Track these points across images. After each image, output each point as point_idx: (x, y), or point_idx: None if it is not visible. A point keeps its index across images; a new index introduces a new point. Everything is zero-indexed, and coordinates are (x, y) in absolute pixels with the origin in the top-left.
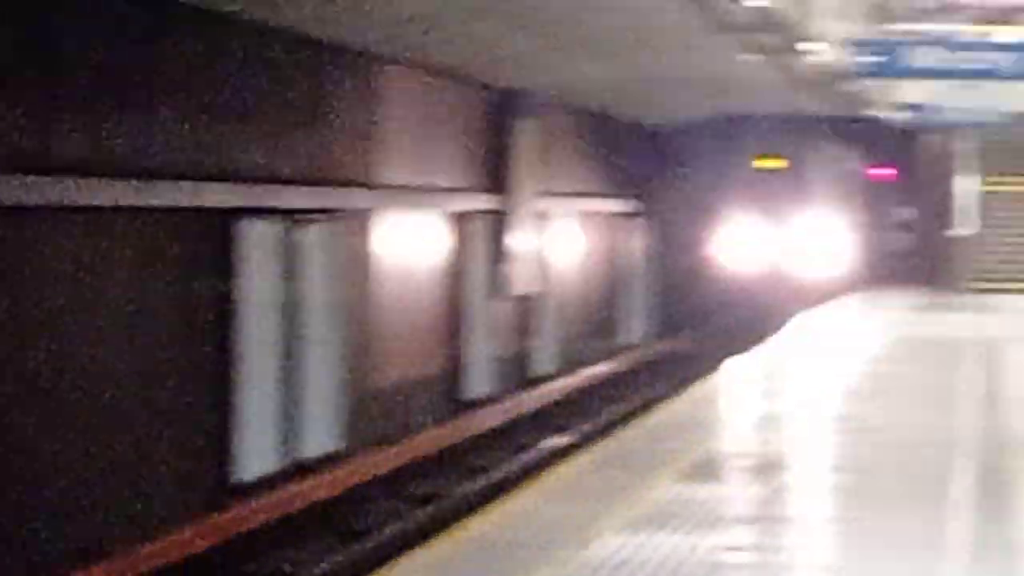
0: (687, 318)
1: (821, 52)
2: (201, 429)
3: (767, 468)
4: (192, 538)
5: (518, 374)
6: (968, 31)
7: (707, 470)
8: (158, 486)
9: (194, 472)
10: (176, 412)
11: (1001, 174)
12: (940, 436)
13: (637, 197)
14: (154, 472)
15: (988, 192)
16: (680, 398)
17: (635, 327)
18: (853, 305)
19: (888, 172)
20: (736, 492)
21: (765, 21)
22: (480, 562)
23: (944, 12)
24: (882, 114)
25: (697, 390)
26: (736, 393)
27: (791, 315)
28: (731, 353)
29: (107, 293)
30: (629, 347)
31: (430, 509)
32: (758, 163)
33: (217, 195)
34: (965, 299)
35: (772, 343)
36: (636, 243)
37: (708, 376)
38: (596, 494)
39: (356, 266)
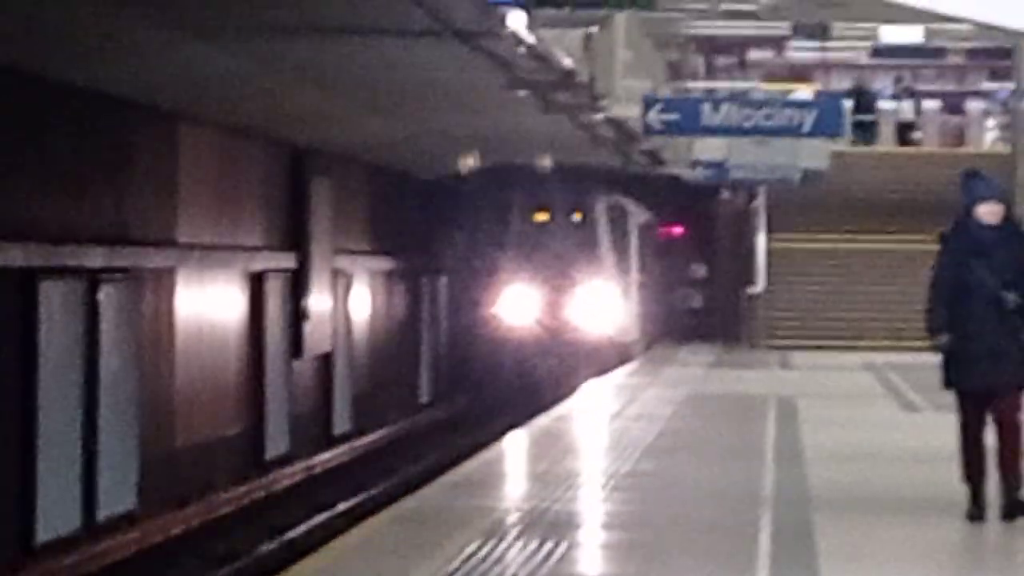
0: (469, 379)
1: (618, 110)
2: (4, 488)
3: (560, 526)
4: None
5: (318, 433)
6: (762, 88)
7: (504, 527)
8: None
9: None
10: None
11: (793, 232)
12: (732, 490)
13: (425, 254)
14: None
15: (778, 249)
16: (475, 459)
17: (423, 388)
18: (646, 366)
19: (678, 230)
20: (531, 549)
21: (564, 80)
22: None
23: (738, 68)
24: (678, 171)
25: (491, 451)
26: (529, 452)
27: (577, 374)
28: (510, 415)
29: None
30: (420, 407)
31: (227, 569)
32: (538, 216)
33: (17, 254)
34: (757, 356)
35: (563, 406)
36: (424, 302)
37: (495, 441)
38: (400, 550)
39: (156, 326)
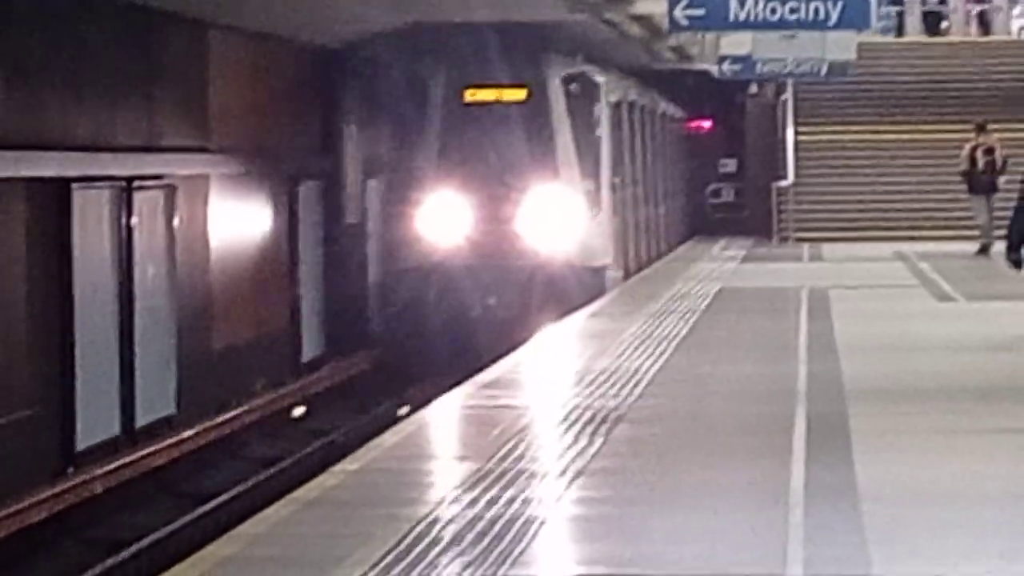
0: (375, 327)
1: (643, 6)
2: (48, 396)
3: (595, 423)
4: (34, 506)
5: None
6: None
7: (538, 425)
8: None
9: (40, 441)
10: (26, 378)
11: (822, 125)
12: (765, 383)
13: (311, 153)
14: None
15: (807, 143)
16: (509, 358)
17: (307, 342)
18: (676, 262)
19: (707, 125)
20: (565, 446)
21: None
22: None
23: None
24: (706, 67)
25: (524, 351)
26: (562, 351)
27: (526, 315)
28: (428, 377)
29: None
30: (300, 369)
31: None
32: (473, 95)
33: (52, 164)
34: (788, 249)
35: (596, 303)
36: (306, 220)
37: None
38: (436, 453)
39: (190, 230)
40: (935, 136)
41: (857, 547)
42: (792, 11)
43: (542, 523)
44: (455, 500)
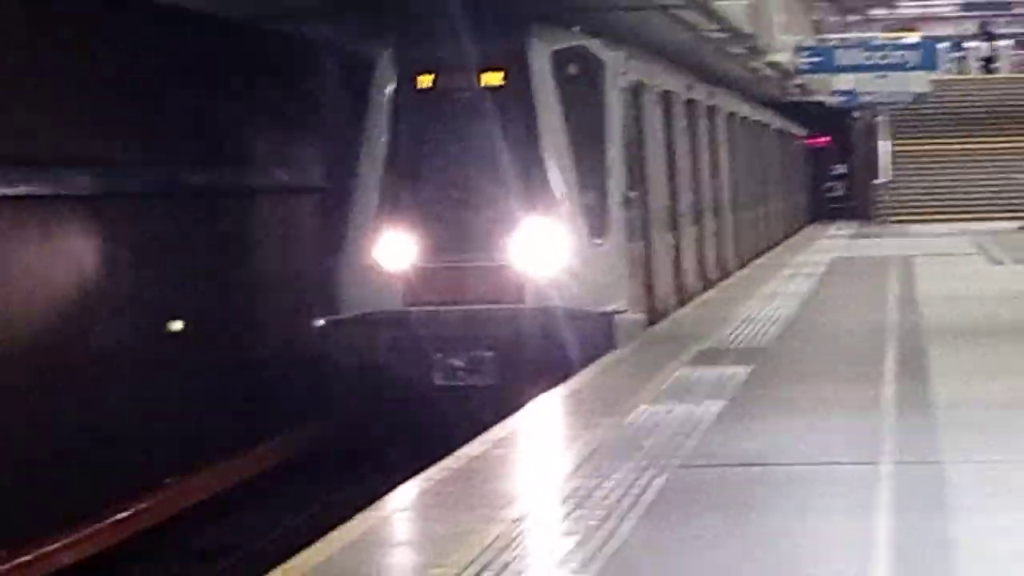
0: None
1: (776, 56)
2: None
3: (742, 357)
4: None
5: None
6: (880, 36)
7: (699, 357)
8: None
9: None
10: None
11: (909, 139)
12: (864, 325)
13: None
14: None
15: (898, 151)
16: (683, 309)
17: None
18: (801, 240)
19: (825, 140)
20: (720, 373)
21: (738, 37)
22: None
23: (864, 23)
24: (821, 98)
25: (694, 303)
26: (716, 301)
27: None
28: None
29: None
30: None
31: None
32: (424, 81)
33: None
34: (883, 229)
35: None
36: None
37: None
38: (633, 372)
39: None
40: (989, 145)
41: (933, 438)
42: (883, 58)
43: (704, 425)
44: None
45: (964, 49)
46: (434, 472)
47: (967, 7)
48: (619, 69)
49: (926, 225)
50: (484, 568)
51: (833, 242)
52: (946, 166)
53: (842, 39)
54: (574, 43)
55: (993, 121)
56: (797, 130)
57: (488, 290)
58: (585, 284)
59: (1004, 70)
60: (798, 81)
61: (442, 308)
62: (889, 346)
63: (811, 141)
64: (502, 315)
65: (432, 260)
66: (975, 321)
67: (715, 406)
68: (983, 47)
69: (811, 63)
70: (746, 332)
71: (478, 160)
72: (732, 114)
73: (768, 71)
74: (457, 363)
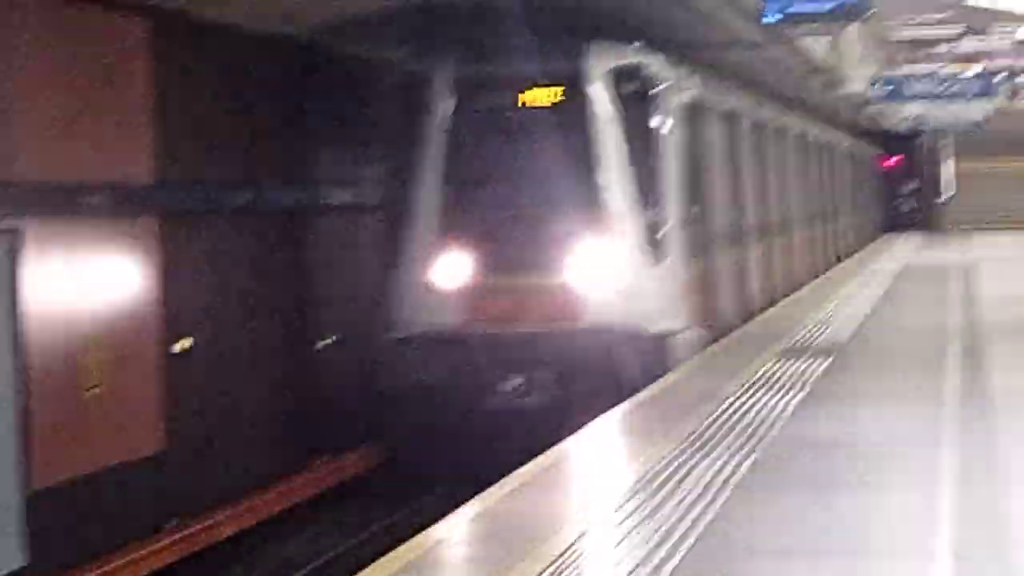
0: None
1: (853, 86)
2: None
3: (822, 351)
4: None
5: None
6: (945, 69)
7: (786, 353)
8: None
9: None
10: None
11: (970, 159)
12: (931, 324)
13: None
14: None
15: (960, 170)
16: (770, 310)
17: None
18: (879, 246)
19: (896, 160)
20: (804, 366)
21: (818, 70)
22: None
23: (930, 57)
24: (893, 124)
25: (779, 305)
26: (798, 304)
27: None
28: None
29: None
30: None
31: None
32: (529, 96)
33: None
34: (948, 237)
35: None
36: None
37: None
38: (718, 370)
39: None
40: None
41: (990, 420)
42: (946, 89)
43: (786, 415)
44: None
45: (1018, 81)
46: (548, 457)
47: (1021, 44)
48: (680, 87)
49: (985, 235)
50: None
51: (902, 251)
52: (1003, 182)
53: (911, 71)
54: (633, 60)
55: None
56: (871, 151)
57: (544, 313)
58: (642, 304)
59: None
60: (871, 110)
61: (494, 330)
62: (951, 344)
63: (883, 162)
64: (560, 335)
65: (493, 283)
66: None
67: (799, 393)
68: None
69: (884, 92)
70: (831, 329)
71: (536, 179)
72: (803, 135)
73: (843, 101)
74: (514, 383)
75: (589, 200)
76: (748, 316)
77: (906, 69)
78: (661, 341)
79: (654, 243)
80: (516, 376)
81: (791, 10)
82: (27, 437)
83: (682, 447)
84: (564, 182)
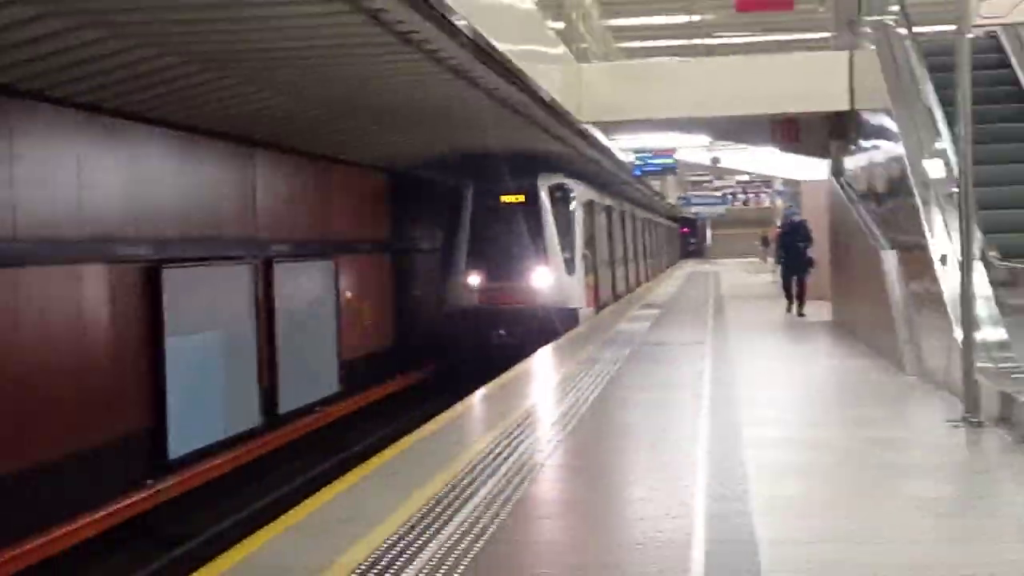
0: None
1: (670, 199)
2: None
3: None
4: None
5: None
6: (707, 192)
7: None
8: None
9: None
10: None
11: (718, 228)
12: (704, 293)
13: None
14: None
15: (714, 233)
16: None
17: None
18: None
19: (687, 229)
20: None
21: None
22: None
23: (701, 187)
24: (686, 214)
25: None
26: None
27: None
28: None
29: None
30: None
31: None
32: (489, 200)
33: None
34: (708, 262)
35: None
36: None
37: None
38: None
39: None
40: (742, 231)
41: (724, 331)
42: (708, 201)
43: (644, 332)
44: None
45: (740, 197)
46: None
47: (738, 183)
48: (580, 194)
49: (725, 260)
50: (574, 376)
51: (689, 266)
52: (732, 239)
53: (694, 193)
54: (558, 181)
55: (740, 222)
56: (677, 225)
57: (518, 297)
58: (564, 295)
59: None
60: (678, 208)
61: (496, 305)
62: (710, 303)
63: (682, 229)
64: (525, 310)
65: (492, 283)
66: (741, 291)
67: (646, 323)
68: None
69: (682, 202)
70: (659, 297)
71: (514, 239)
72: (647, 219)
73: (668, 205)
74: (503, 331)
75: (539, 249)
76: (619, 297)
77: (692, 192)
78: (574, 311)
79: (569, 267)
80: (504, 328)
81: (647, 169)
82: (339, 338)
83: (601, 343)
84: (527, 241)
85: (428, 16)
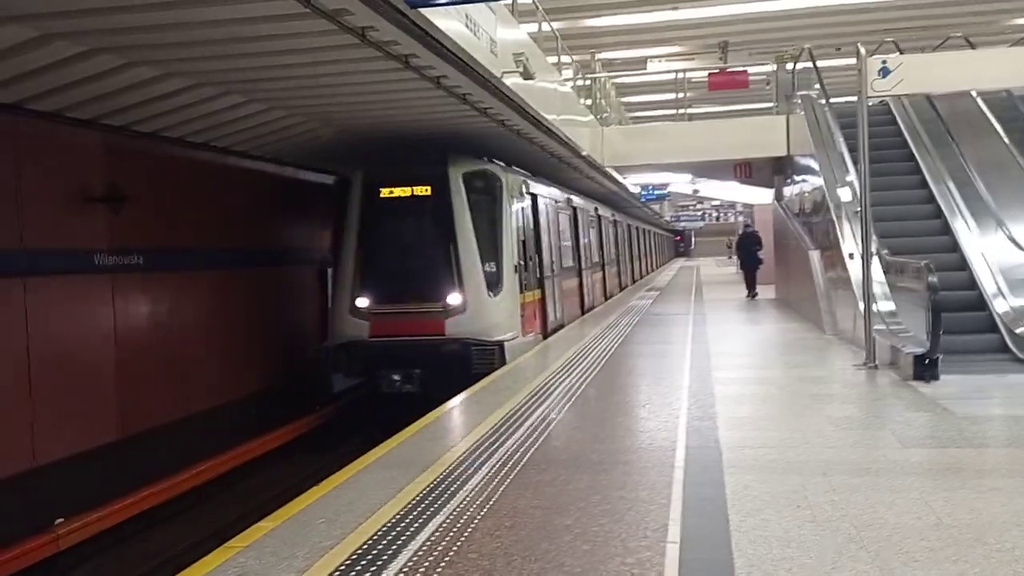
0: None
1: (665, 217)
2: None
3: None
4: None
5: None
6: (691, 211)
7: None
8: None
9: None
10: None
11: (701, 236)
12: (690, 281)
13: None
14: None
15: (698, 240)
16: None
17: None
18: None
19: (679, 236)
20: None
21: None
22: None
23: (687, 208)
24: (678, 227)
25: None
26: None
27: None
28: None
29: None
30: None
31: None
32: (383, 192)
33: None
34: (693, 259)
35: None
36: None
37: None
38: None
39: None
40: (717, 236)
41: (701, 306)
42: (692, 217)
43: (647, 305)
44: None
45: (713, 215)
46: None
47: (713, 207)
48: (512, 184)
49: (705, 258)
50: (601, 335)
51: (678, 263)
52: (709, 244)
53: (682, 211)
54: (480, 167)
55: (714, 232)
56: (671, 233)
57: (420, 327)
58: (484, 323)
59: (722, 220)
60: (672, 221)
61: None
62: (692, 288)
63: (675, 237)
64: (427, 344)
65: (387, 307)
66: (714, 279)
67: (650, 300)
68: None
69: (674, 219)
70: (660, 283)
71: (417, 244)
72: (650, 231)
73: (665, 220)
74: (397, 376)
75: (449, 258)
76: (599, 303)
77: (680, 212)
78: (495, 346)
79: (493, 284)
80: (399, 372)
81: (649, 197)
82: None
83: (619, 313)
84: (434, 247)
85: (521, 114)
